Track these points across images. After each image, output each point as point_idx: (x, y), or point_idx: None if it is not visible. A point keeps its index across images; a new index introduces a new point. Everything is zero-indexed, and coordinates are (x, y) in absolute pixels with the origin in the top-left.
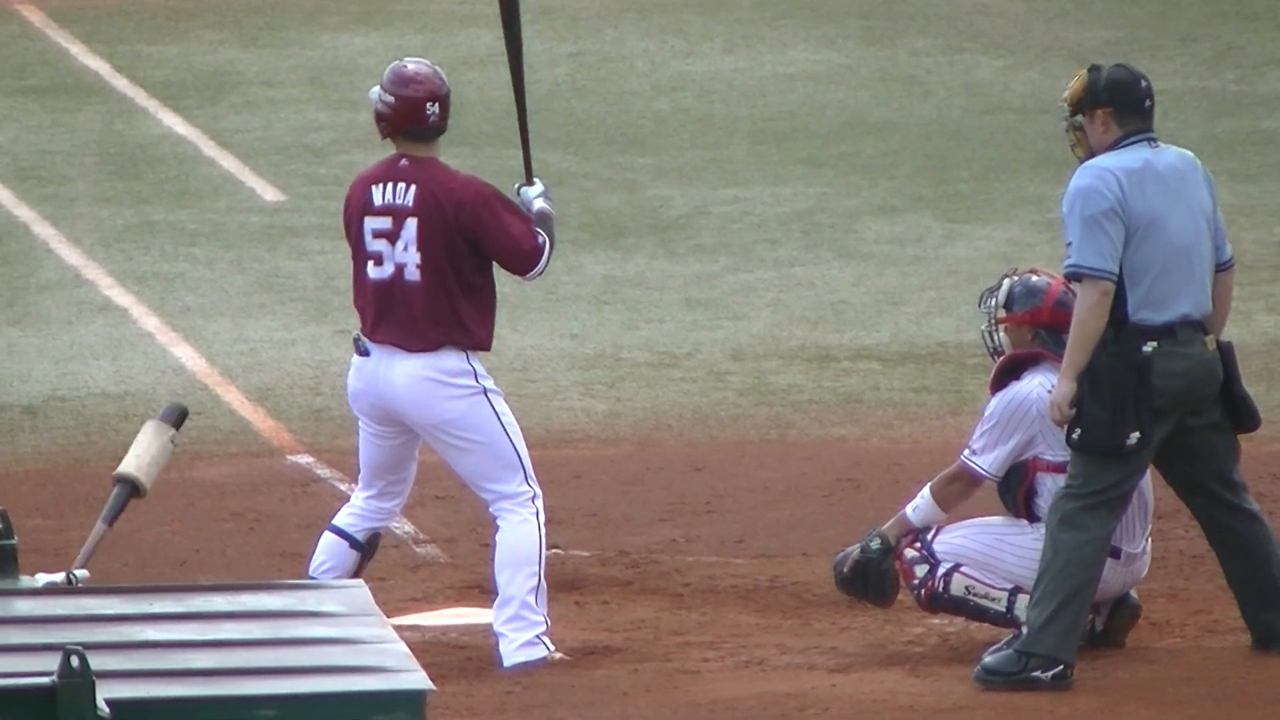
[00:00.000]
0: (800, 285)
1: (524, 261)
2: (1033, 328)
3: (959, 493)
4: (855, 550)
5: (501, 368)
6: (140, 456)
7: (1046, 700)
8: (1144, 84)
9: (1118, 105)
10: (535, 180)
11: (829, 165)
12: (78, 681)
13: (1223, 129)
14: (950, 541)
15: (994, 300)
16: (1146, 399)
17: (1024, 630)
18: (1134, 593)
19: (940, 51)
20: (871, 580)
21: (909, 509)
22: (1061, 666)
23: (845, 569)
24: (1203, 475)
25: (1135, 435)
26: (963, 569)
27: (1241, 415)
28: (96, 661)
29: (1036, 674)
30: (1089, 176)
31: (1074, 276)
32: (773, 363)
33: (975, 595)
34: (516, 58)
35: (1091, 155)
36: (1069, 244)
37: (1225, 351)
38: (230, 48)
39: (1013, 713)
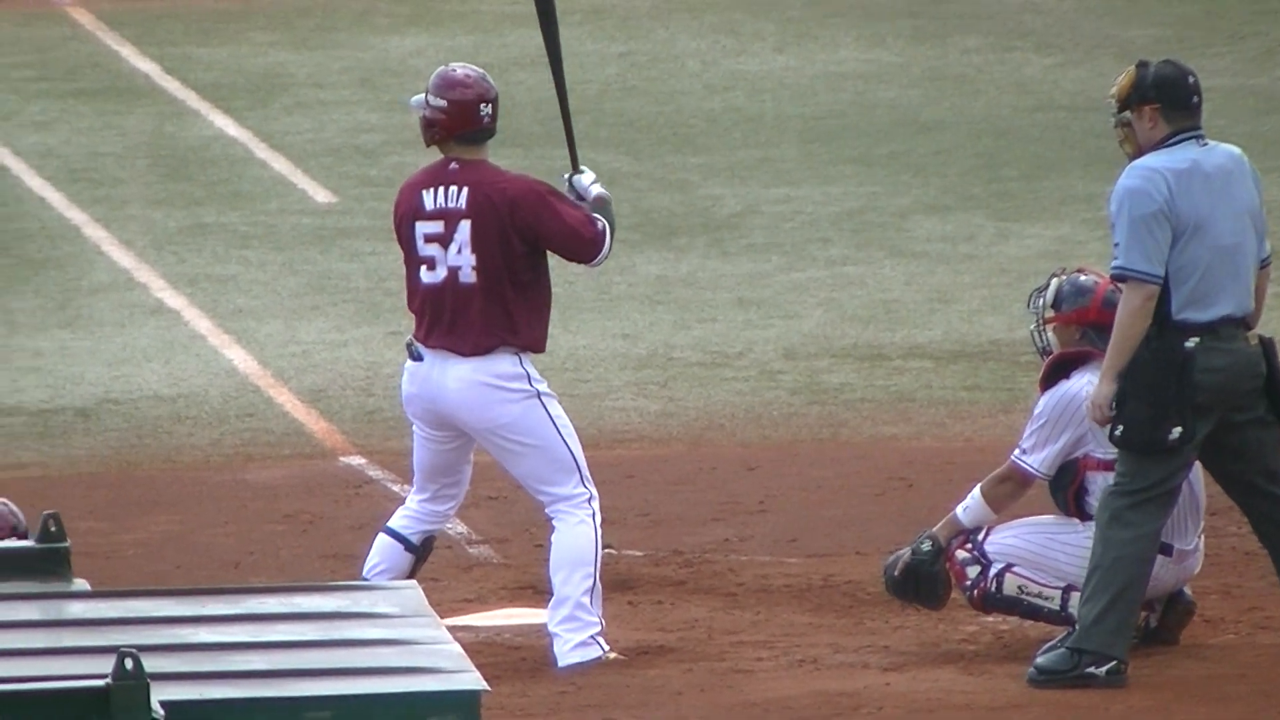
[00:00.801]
0: (851, 284)
1: (587, 249)
2: (1080, 326)
3: (1010, 493)
4: (906, 553)
5: (554, 368)
6: None
7: (1100, 698)
8: (1192, 80)
9: (1165, 101)
10: (583, 168)
11: (880, 164)
12: (132, 683)
13: (1270, 126)
14: (1001, 542)
15: (1042, 300)
16: (1188, 394)
17: (1076, 627)
18: (1188, 590)
19: (990, 50)
20: (923, 583)
21: (959, 509)
22: (1115, 663)
23: (896, 572)
24: (1250, 472)
25: (1177, 430)
26: (1015, 569)
27: None
28: (150, 663)
29: (1090, 671)
30: (1137, 177)
31: (1120, 278)
32: (824, 361)
33: (1028, 595)
34: (554, 47)
35: (1140, 151)
36: (1116, 244)
37: (1268, 346)
38: (281, 49)
39: (1067, 710)
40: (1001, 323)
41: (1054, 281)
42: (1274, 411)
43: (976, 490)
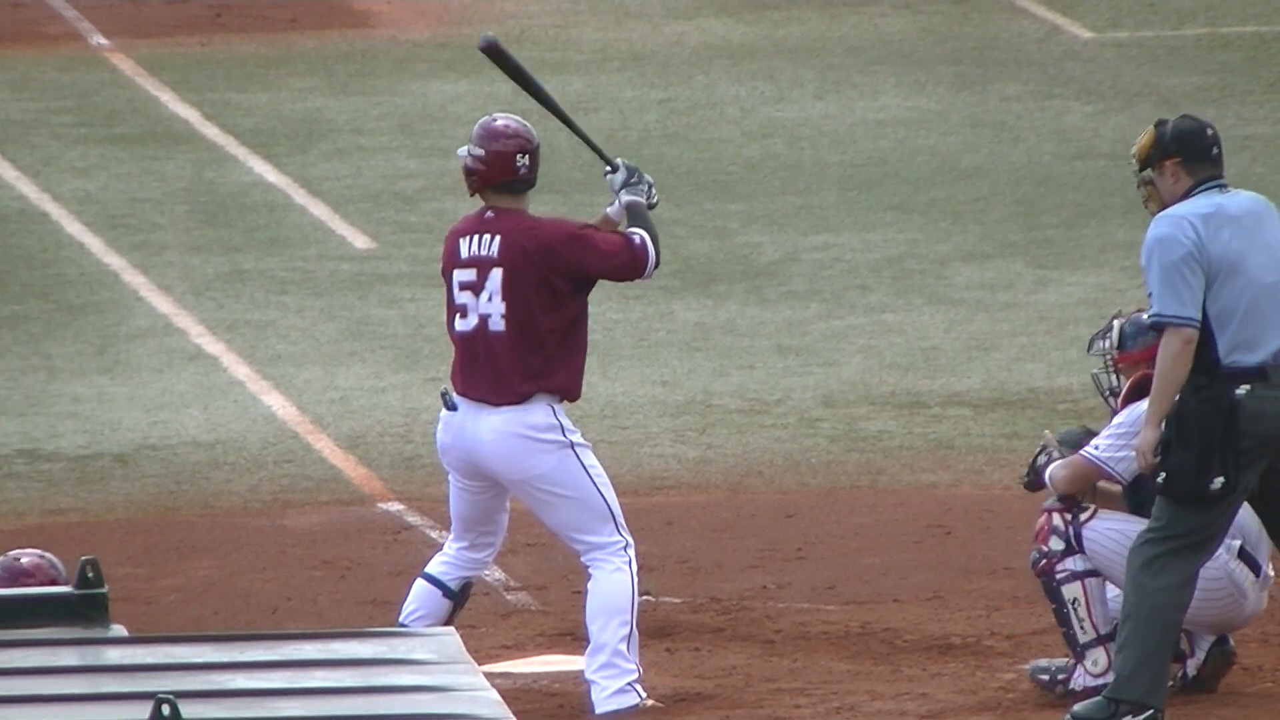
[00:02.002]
0: (891, 331)
1: (634, 268)
2: (1149, 363)
3: (1080, 483)
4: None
5: (592, 415)
6: None
7: None
8: (1210, 132)
9: (1186, 155)
10: (617, 163)
11: (919, 211)
12: None
13: None
14: (1100, 535)
15: (1107, 342)
16: (1234, 443)
17: (1112, 675)
18: (1230, 638)
19: (1031, 97)
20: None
21: (1049, 468)
22: (1151, 712)
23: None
24: None
25: (1220, 480)
26: (1088, 581)
27: None
28: (187, 710)
29: (1127, 718)
30: (1165, 225)
31: (1157, 326)
32: (864, 409)
33: (1074, 609)
34: (533, 87)
35: (1164, 208)
36: (1150, 294)
37: None
38: (320, 95)
39: None
40: (1040, 370)
41: (1116, 323)
42: None
43: (1050, 468)
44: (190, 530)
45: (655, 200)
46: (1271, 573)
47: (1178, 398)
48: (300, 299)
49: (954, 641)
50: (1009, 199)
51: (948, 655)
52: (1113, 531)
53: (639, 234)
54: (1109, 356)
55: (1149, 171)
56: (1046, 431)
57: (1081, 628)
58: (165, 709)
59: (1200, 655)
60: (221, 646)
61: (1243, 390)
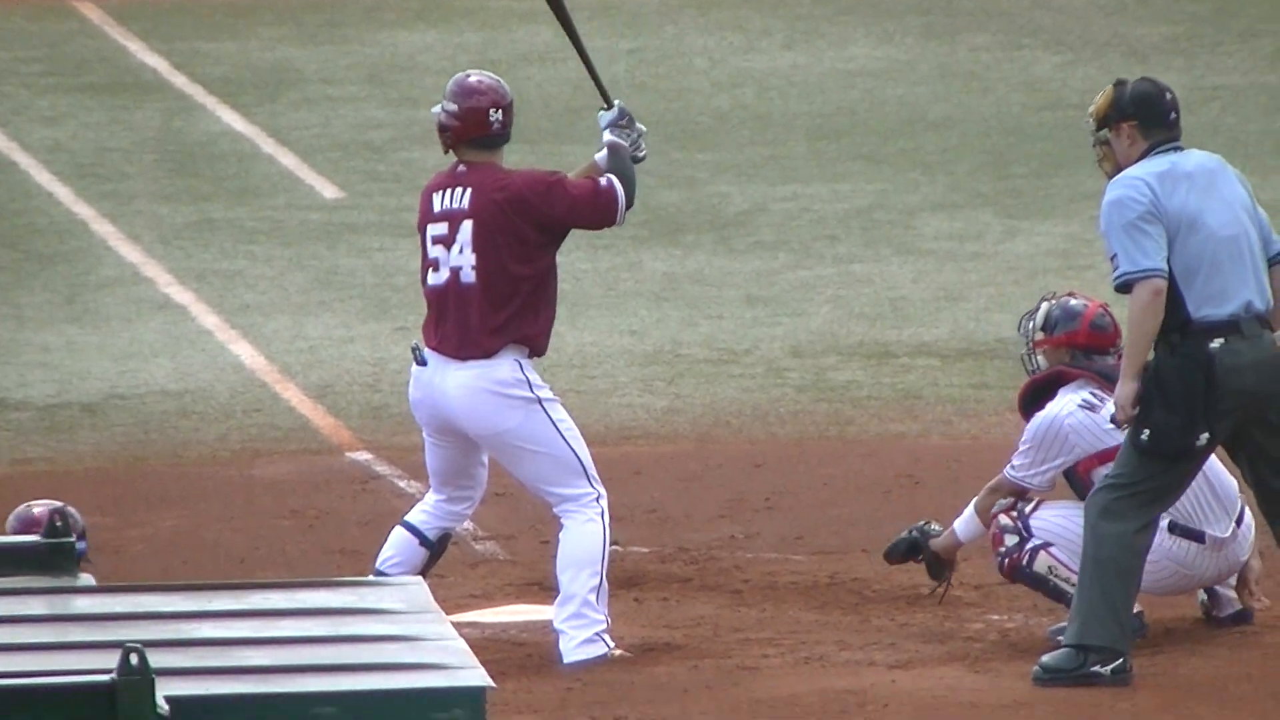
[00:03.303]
0: (859, 282)
1: (604, 212)
2: (1070, 349)
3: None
4: (906, 536)
5: (561, 364)
6: None
7: (1106, 696)
8: (1169, 96)
9: (1143, 118)
10: (614, 103)
11: (888, 162)
12: (137, 679)
13: None
14: (1047, 519)
15: (1031, 324)
16: (1215, 399)
17: (1070, 622)
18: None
19: (1000, 47)
20: (927, 558)
21: (958, 525)
22: (1120, 660)
23: (898, 543)
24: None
25: (1205, 436)
26: (1051, 549)
27: None
28: (156, 659)
29: (1096, 670)
30: (1119, 188)
31: (1124, 286)
32: (832, 359)
33: (1057, 576)
34: (560, 9)
35: (1118, 169)
36: (1113, 257)
37: None
38: (289, 45)
39: (1073, 709)
40: (1009, 321)
41: (1044, 305)
42: None
43: (969, 510)
44: (158, 480)
45: (644, 154)
46: (1234, 529)
47: (1154, 358)
48: (269, 248)
49: (923, 592)
50: (978, 149)
51: (916, 606)
52: (1059, 516)
53: (607, 178)
54: (1031, 339)
55: (1105, 132)
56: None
57: (1073, 585)
58: (134, 658)
59: (1207, 600)
60: (190, 596)
61: (1216, 344)
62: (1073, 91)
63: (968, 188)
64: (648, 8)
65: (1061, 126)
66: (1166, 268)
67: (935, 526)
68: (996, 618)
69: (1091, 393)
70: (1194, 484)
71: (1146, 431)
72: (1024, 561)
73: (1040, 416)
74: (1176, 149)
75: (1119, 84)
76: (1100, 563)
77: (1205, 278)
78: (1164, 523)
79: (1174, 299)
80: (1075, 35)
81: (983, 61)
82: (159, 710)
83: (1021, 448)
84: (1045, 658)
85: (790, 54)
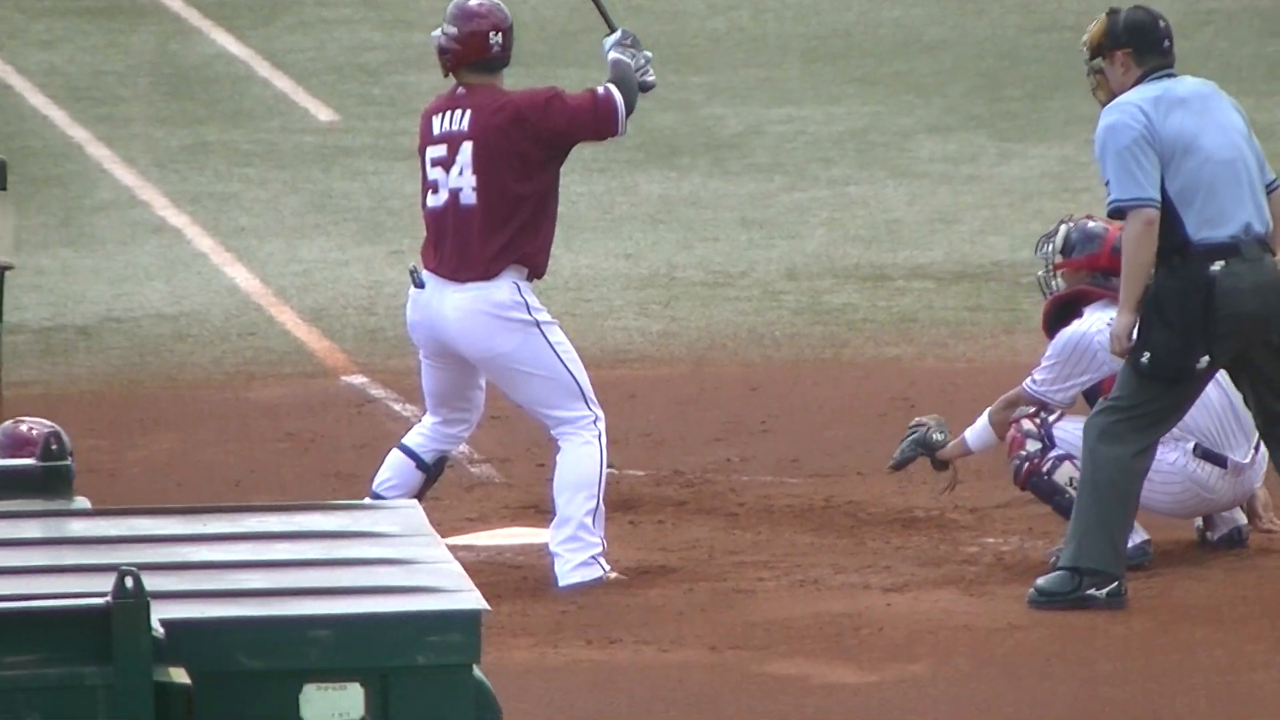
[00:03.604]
0: (854, 204)
1: (604, 122)
2: (1090, 272)
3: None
4: (914, 435)
5: (556, 287)
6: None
7: (1101, 619)
8: (1163, 24)
9: (1137, 46)
10: (618, 28)
11: (883, 84)
12: (132, 602)
13: (1276, 48)
14: (1071, 433)
15: (1050, 246)
16: (1214, 321)
17: (1065, 544)
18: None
19: None
20: (935, 460)
21: (969, 433)
22: (1115, 584)
23: (906, 442)
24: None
25: (1205, 359)
26: (1074, 460)
27: None
28: (151, 582)
29: (1091, 593)
30: (1113, 113)
31: (1117, 213)
32: (827, 282)
33: (1073, 489)
34: None
35: (1112, 98)
36: (1107, 183)
37: None
38: None
39: (1067, 631)
40: (1004, 243)
41: (1063, 228)
42: None
43: (983, 418)
44: (153, 403)
45: (653, 79)
46: (1252, 455)
47: (1154, 280)
48: (264, 171)
49: (918, 515)
50: (972, 72)
51: (911, 529)
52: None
53: (605, 86)
54: (1051, 261)
55: (1099, 61)
56: (923, 420)
57: None
58: (129, 581)
59: (1216, 523)
60: (185, 519)
61: (1217, 266)
62: (1068, 13)
63: (962, 110)
64: None
65: (1056, 49)
66: (1159, 196)
67: (937, 436)
68: (992, 541)
69: None
70: (1219, 409)
71: (1147, 355)
72: (1044, 469)
73: (1068, 333)
74: (1170, 75)
75: (1112, 12)
76: (1098, 485)
77: (1203, 200)
78: (1189, 445)
79: (1172, 221)
80: None
81: None
82: (154, 633)
83: (1045, 363)
84: (1040, 581)
85: None
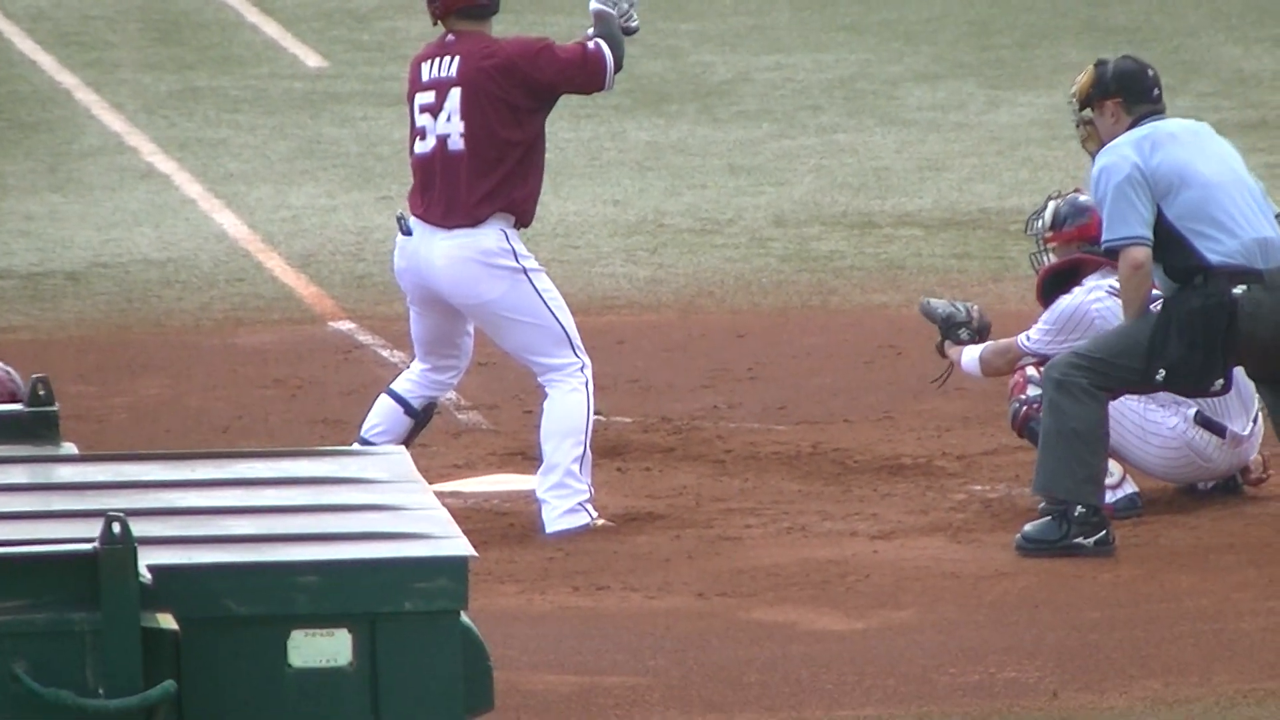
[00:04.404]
0: (842, 151)
1: (592, 75)
2: (1081, 244)
3: (1008, 366)
4: (949, 310)
5: (544, 234)
6: None
7: (1088, 566)
8: (1151, 73)
9: (1127, 95)
10: None
11: (871, 31)
12: (119, 548)
13: None
14: None
15: (1040, 222)
16: (1233, 343)
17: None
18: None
19: None
20: (942, 328)
21: (964, 354)
22: (1104, 533)
23: (936, 310)
24: None
25: (1220, 383)
26: None
27: None
28: (138, 528)
29: (1078, 540)
30: (1105, 156)
31: (1110, 253)
32: (815, 229)
33: None
34: None
35: (1102, 148)
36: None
37: None
38: None
39: (1055, 578)
40: (992, 191)
41: (1051, 204)
42: None
43: (978, 351)
44: (141, 349)
45: (636, 24)
46: (1251, 427)
47: (1173, 298)
48: (252, 117)
49: (905, 462)
50: (961, 19)
51: (898, 476)
52: None
53: (595, 41)
54: (1042, 236)
55: (1089, 111)
56: (935, 302)
57: None
58: (116, 527)
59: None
60: (172, 465)
61: (1239, 290)
62: None
63: (951, 58)
64: None
65: None
66: (1150, 235)
67: (964, 334)
68: (979, 488)
69: (1117, 279)
70: None
71: (1163, 371)
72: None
73: (1066, 300)
74: (1159, 118)
75: (1100, 63)
76: (1063, 435)
77: (1210, 223)
78: (1190, 412)
79: (1186, 249)
80: None
81: None
82: (141, 579)
83: (1042, 325)
84: (1028, 527)
85: None
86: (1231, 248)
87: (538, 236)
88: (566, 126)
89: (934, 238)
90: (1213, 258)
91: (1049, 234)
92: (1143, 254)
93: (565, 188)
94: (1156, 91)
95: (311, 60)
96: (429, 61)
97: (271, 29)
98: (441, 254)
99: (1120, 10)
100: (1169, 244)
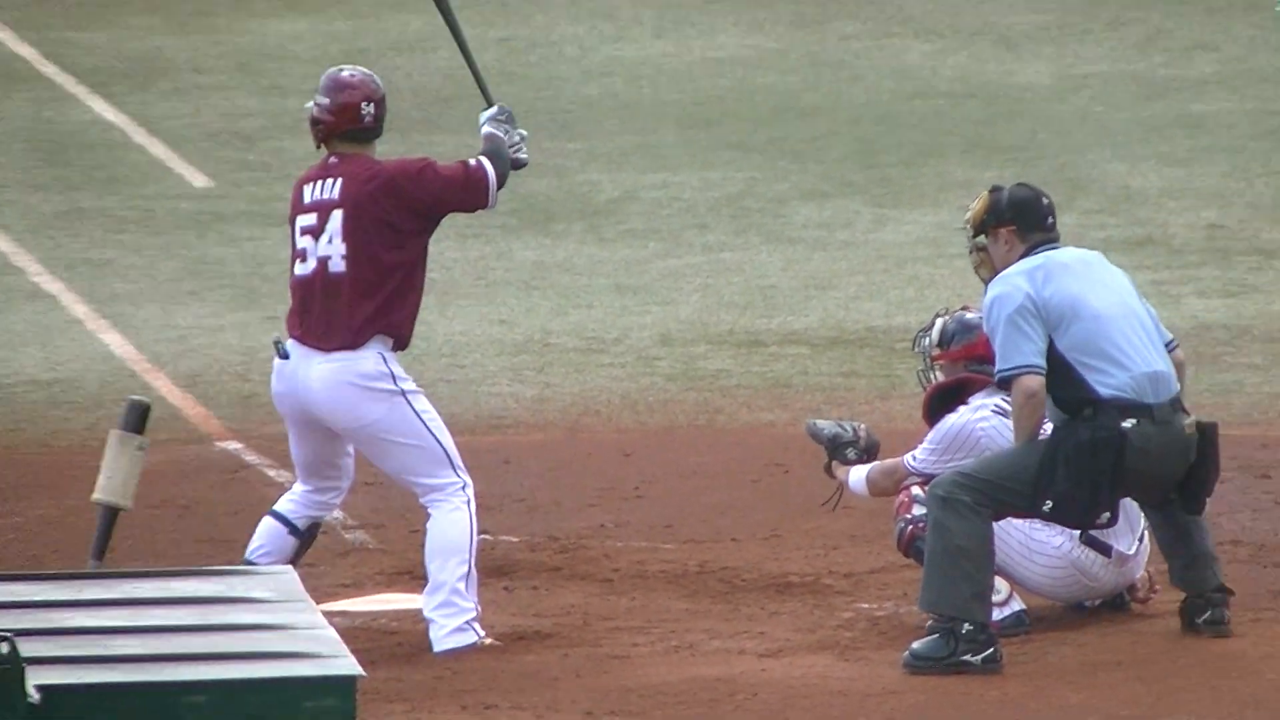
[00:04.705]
0: (729, 270)
1: (475, 193)
2: (968, 362)
3: (894, 487)
4: (836, 431)
5: (430, 353)
6: (111, 476)
7: (976, 684)
8: (1046, 201)
9: (1021, 223)
10: (495, 103)
11: (758, 150)
12: (8, 668)
13: (1152, 112)
14: None
15: (928, 340)
16: (1121, 478)
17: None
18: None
19: (870, 36)
20: (829, 449)
21: (852, 474)
22: (991, 650)
23: (822, 430)
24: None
25: (1105, 516)
26: None
27: (1190, 498)
28: (27, 648)
29: (966, 658)
30: (998, 286)
31: (1003, 384)
32: (701, 347)
33: None
34: (447, 14)
35: (995, 274)
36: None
37: (1205, 433)
38: (159, 34)
39: (942, 696)
40: (879, 309)
41: (939, 321)
42: (1183, 497)
43: (865, 471)
44: (28, 468)
45: (525, 157)
46: (1137, 546)
47: (1061, 429)
48: (139, 237)
49: (792, 580)
50: (848, 137)
51: (786, 594)
52: None
53: (477, 158)
54: (929, 354)
55: (983, 238)
56: (821, 423)
57: None
58: (4, 647)
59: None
60: (60, 585)
61: (1129, 423)
62: (942, 80)
63: (837, 176)
64: None
65: (931, 115)
66: (1043, 364)
67: (851, 453)
68: (866, 606)
69: (1003, 398)
70: None
71: (1049, 503)
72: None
73: (952, 420)
74: (1053, 248)
75: (995, 190)
76: (949, 554)
77: (1100, 356)
78: (1076, 531)
79: (1076, 380)
80: (945, 23)
81: (853, 50)
82: (29, 699)
83: (928, 445)
84: (916, 645)
85: (660, 42)
86: (1122, 381)
87: (424, 356)
88: (453, 246)
89: (821, 356)
90: (1103, 391)
91: (936, 351)
92: (1036, 383)
93: (452, 307)
94: (1050, 220)
95: (198, 180)
96: (312, 183)
97: (158, 149)
98: (319, 377)
99: (1006, 129)
100: (1060, 375)
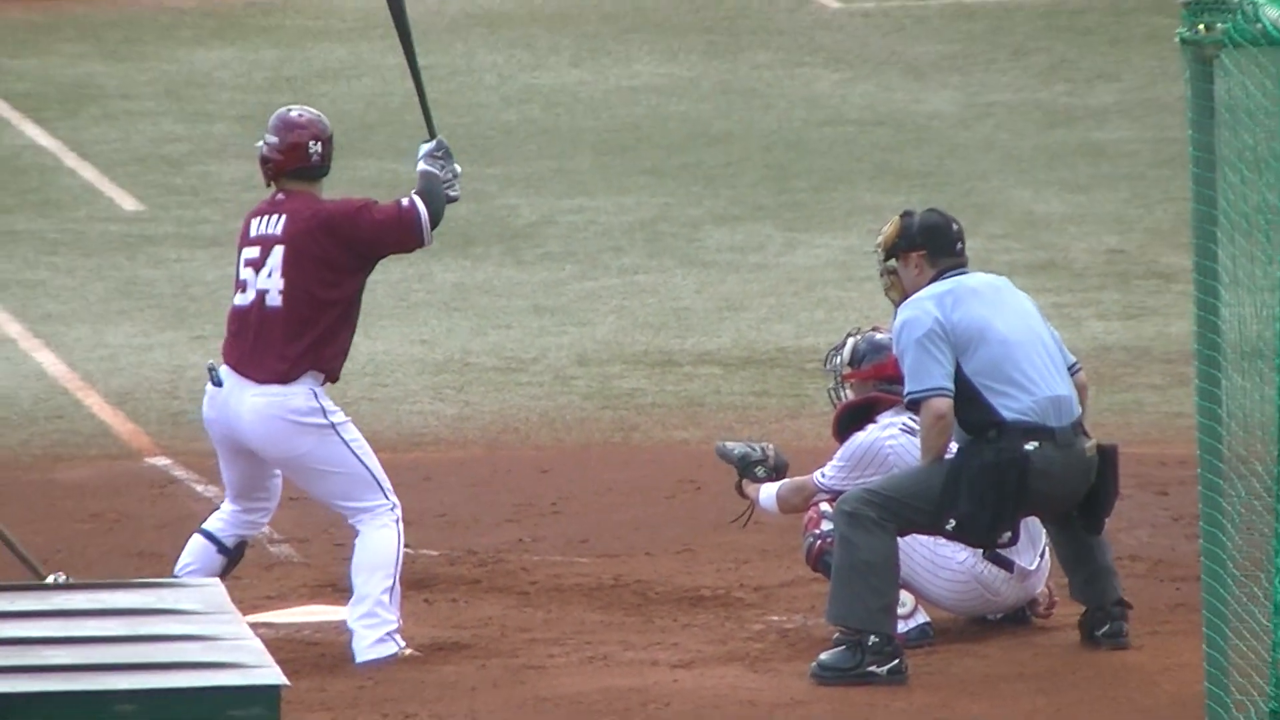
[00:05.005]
0: (644, 292)
1: (409, 232)
2: (878, 381)
3: (803, 504)
4: (745, 452)
5: (353, 373)
6: None
7: (882, 694)
8: (955, 227)
9: (931, 248)
10: (436, 137)
11: (672, 175)
12: None
13: (1055, 140)
14: None
15: (839, 358)
16: (1023, 499)
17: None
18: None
19: (781, 65)
20: (739, 468)
21: (762, 492)
22: (896, 662)
23: (732, 451)
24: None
25: (1008, 535)
26: None
27: (1091, 518)
28: None
29: (872, 669)
30: (907, 310)
31: (911, 405)
32: (617, 367)
33: None
34: (402, 20)
35: (905, 298)
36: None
37: (1106, 455)
38: (90, 61)
39: (849, 707)
40: (789, 330)
41: (850, 340)
42: (1080, 511)
43: (775, 489)
44: None
45: (458, 194)
46: (1038, 562)
47: (965, 450)
48: (70, 259)
49: (704, 593)
50: (760, 164)
51: (698, 607)
52: None
53: (410, 197)
54: (840, 372)
55: (893, 262)
56: (730, 444)
57: None
58: None
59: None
60: None
61: (1031, 446)
62: (852, 108)
63: (749, 201)
64: (438, 26)
65: (841, 142)
66: (951, 386)
67: (760, 471)
68: (776, 619)
69: (911, 417)
70: None
71: (953, 521)
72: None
73: (860, 438)
74: (962, 273)
75: (906, 215)
76: (855, 569)
77: (1005, 381)
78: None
79: (980, 403)
80: (854, 54)
81: (764, 79)
82: None
83: (837, 462)
84: (823, 656)
85: (577, 71)
86: (1026, 405)
87: (347, 375)
88: (376, 268)
89: (733, 376)
90: (1007, 414)
91: (847, 370)
92: (945, 405)
93: (375, 328)
94: (960, 245)
95: (128, 204)
96: (259, 218)
97: (89, 173)
98: (251, 409)
99: (913, 155)
100: (965, 398)
